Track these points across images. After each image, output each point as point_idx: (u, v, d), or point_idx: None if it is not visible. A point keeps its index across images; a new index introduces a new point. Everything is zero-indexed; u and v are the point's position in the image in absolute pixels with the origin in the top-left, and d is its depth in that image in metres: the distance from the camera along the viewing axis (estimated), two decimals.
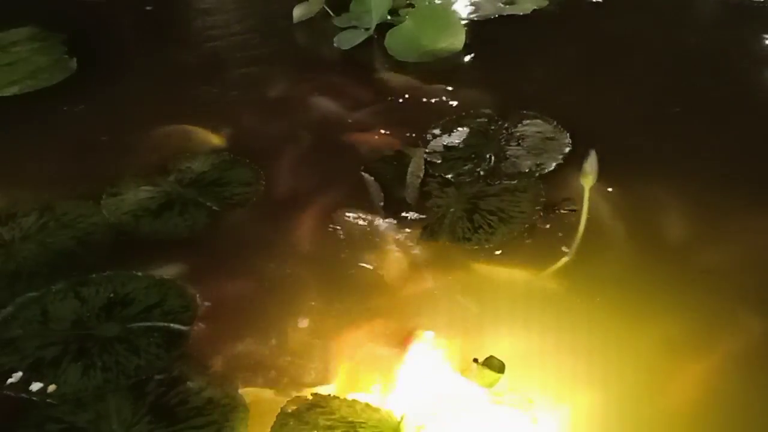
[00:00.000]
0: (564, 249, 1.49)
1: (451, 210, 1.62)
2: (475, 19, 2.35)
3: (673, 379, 1.29)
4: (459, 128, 1.87)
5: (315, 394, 1.23)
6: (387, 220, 1.60)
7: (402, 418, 1.20)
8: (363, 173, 1.71)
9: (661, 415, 1.24)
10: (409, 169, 1.70)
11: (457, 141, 1.83)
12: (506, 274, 1.48)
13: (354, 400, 1.22)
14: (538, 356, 1.33)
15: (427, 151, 1.79)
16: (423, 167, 1.71)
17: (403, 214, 1.62)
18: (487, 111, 1.92)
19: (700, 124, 1.88)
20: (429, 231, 1.58)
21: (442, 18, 2.26)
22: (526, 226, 1.56)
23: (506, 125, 1.87)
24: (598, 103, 1.98)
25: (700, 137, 1.84)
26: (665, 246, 1.54)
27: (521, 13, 2.35)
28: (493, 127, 1.87)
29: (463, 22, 2.31)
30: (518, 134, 1.83)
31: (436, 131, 1.86)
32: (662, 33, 2.28)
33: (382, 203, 1.64)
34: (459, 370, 1.28)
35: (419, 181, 1.69)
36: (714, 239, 1.55)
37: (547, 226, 1.56)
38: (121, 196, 1.69)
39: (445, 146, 1.81)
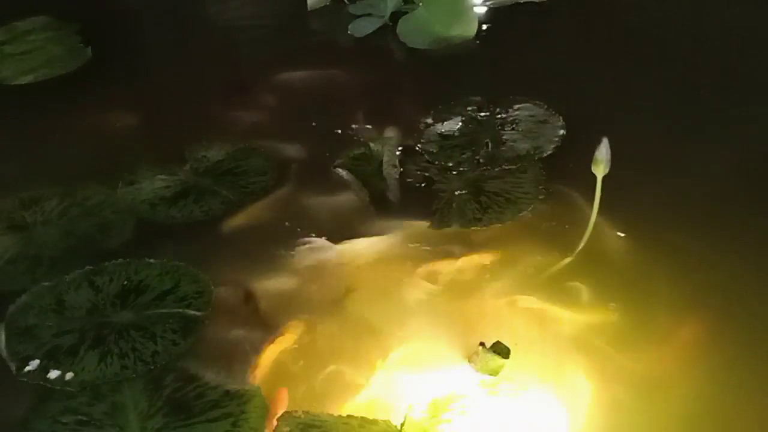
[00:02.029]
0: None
1: (456, 194, 1.62)
2: (491, 6, 2.33)
3: (678, 368, 1.29)
4: (452, 116, 1.87)
5: (306, 413, 1.19)
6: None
7: (402, 426, 1.17)
8: (337, 169, 1.70)
9: (658, 403, 1.23)
10: (384, 160, 1.70)
11: (452, 129, 1.83)
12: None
13: (349, 416, 1.19)
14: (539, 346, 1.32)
15: (422, 140, 1.79)
16: (396, 156, 1.71)
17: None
18: (477, 98, 1.91)
19: (711, 121, 1.85)
20: (439, 217, 1.58)
21: (455, 5, 2.24)
22: (533, 206, 1.58)
23: (498, 110, 1.87)
24: (604, 93, 1.95)
25: (705, 135, 1.81)
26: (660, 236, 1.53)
27: (537, 0, 2.32)
28: (484, 114, 1.87)
29: (478, 9, 2.29)
30: (511, 119, 1.84)
31: (429, 120, 1.86)
32: (683, 26, 2.24)
33: (367, 198, 1.64)
34: (463, 357, 1.28)
35: (397, 171, 1.68)
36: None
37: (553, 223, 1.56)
38: (138, 185, 1.70)
39: (441, 135, 1.81)
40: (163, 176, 1.72)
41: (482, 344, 1.25)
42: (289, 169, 1.74)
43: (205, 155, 1.79)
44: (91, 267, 1.48)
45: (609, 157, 1.38)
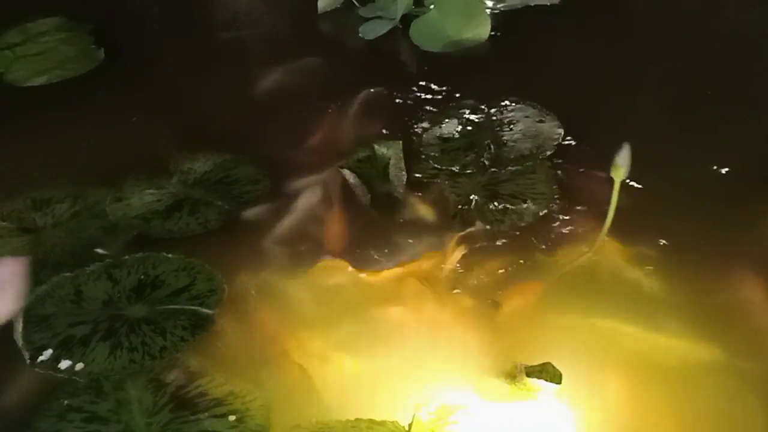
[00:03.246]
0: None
1: (472, 197, 1.62)
2: (502, 9, 2.34)
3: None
4: (447, 120, 1.87)
5: (315, 421, 1.19)
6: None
7: (410, 427, 1.18)
8: (342, 170, 1.69)
9: (674, 401, 1.22)
10: (391, 163, 1.70)
11: (450, 132, 1.83)
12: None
13: (357, 419, 1.19)
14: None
15: (422, 144, 1.79)
16: (402, 159, 1.70)
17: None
18: (469, 101, 1.92)
19: (714, 121, 1.86)
20: (460, 219, 1.57)
21: (467, 8, 2.24)
22: (551, 205, 1.58)
23: (492, 112, 1.87)
24: (610, 94, 1.96)
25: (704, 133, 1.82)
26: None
27: (548, 3, 2.33)
28: (479, 116, 1.87)
29: (489, 12, 2.29)
30: (508, 120, 1.84)
31: (425, 124, 1.86)
32: (695, 29, 2.24)
33: (368, 200, 1.63)
34: (505, 377, 1.25)
35: (404, 174, 1.68)
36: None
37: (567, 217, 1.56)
38: (127, 201, 1.66)
39: (441, 138, 1.81)
40: (151, 190, 1.69)
41: (527, 367, 1.21)
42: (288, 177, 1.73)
43: (191, 167, 1.76)
44: (110, 260, 1.49)
45: (629, 162, 1.38)
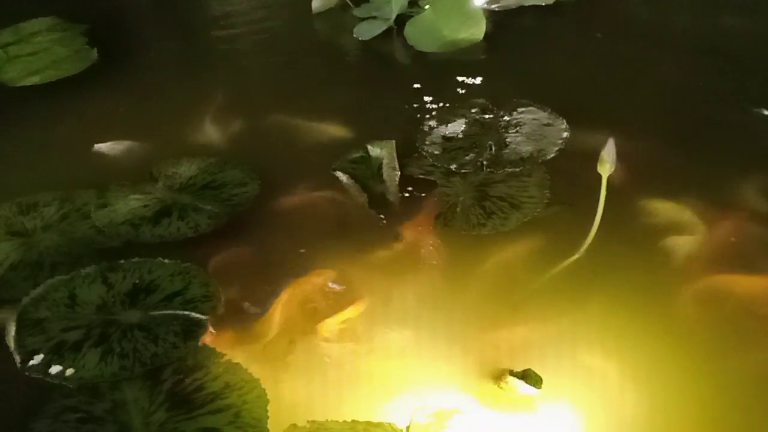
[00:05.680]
0: None
1: (461, 198, 1.62)
2: (496, 9, 2.34)
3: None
4: (455, 119, 1.87)
5: (312, 422, 1.19)
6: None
7: (407, 429, 1.18)
8: (336, 173, 1.69)
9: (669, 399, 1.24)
10: (384, 162, 1.69)
11: (455, 131, 1.83)
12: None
13: (354, 421, 1.19)
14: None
15: (425, 142, 1.79)
16: (396, 159, 1.70)
17: None
18: (480, 101, 1.92)
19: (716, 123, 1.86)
20: (443, 220, 1.58)
21: (463, 8, 2.25)
22: (538, 210, 1.57)
23: (502, 113, 1.87)
24: (608, 96, 1.96)
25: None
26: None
27: (543, 4, 2.33)
28: (488, 116, 1.87)
29: (484, 12, 2.29)
30: (515, 122, 1.84)
31: (432, 122, 1.86)
32: (690, 30, 2.25)
33: (365, 200, 1.63)
34: (492, 381, 1.26)
35: (397, 174, 1.67)
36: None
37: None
38: (111, 207, 1.63)
39: (444, 137, 1.81)
40: (136, 196, 1.66)
41: (511, 372, 1.23)
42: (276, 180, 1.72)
43: (176, 171, 1.73)
44: (106, 263, 1.47)
45: (614, 157, 1.37)
